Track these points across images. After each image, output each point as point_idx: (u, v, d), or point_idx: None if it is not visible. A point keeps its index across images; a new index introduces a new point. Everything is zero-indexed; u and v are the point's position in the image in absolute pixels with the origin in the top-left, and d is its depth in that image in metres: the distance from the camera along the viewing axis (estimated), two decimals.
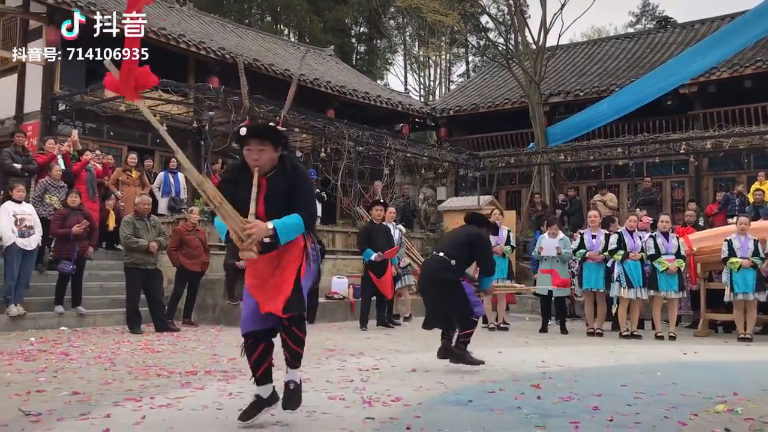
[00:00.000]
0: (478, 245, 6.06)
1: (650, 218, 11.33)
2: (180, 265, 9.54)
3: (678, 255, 9.38)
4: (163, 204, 12.70)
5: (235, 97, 12.82)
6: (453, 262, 5.92)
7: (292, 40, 32.48)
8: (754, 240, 9.24)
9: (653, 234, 9.68)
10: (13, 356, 6.42)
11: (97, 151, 12.36)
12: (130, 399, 4.57)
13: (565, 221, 14.88)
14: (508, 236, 10.50)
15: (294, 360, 3.76)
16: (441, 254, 6.07)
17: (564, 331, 9.90)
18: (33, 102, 14.95)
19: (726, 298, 9.34)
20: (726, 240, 9.35)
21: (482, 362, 6.01)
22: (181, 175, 13.61)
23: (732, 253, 9.21)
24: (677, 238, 9.73)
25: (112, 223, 11.40)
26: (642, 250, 9.41)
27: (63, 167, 10.60)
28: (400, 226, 11.69)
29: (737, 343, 8.85)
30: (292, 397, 3.79)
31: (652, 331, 9.60)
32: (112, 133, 15.60)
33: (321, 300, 11.08)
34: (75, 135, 11.94)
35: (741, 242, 9.24)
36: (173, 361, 6.35)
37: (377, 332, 9.54)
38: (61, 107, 14.47)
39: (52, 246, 9.39)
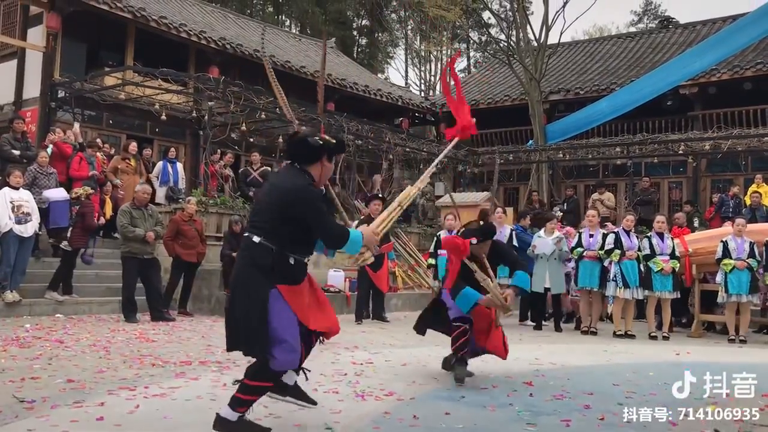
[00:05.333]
0: None
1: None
2: (176, 255, 9.54)
3: (672, 256, 9.40)
4: (160, 193, 12.69)
5: (235, 87, 12.82)
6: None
7: (294, 31, 32.40)
8: (750, 242, 9.27)
9: (648, 234, 9.71)
10: (8, 342, 6.44)
11: (99, 141, 12.37)
12: (124, 388, 4.59)
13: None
14: (511, 235, 10.31)
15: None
16: None
17: (558, 329, 9.94)
18: (32, 88, 14.88)
19: (720, 299, 9.37)
20: (722, 241, 9.38)
21: (461, 381, 5.26)
22: (179, 165, 13.60)
23: (727, 254, 9.24)
24: (672, 238, 9.76)
25: (108, 212, 11.40)
26: (638, 249, 9.44)
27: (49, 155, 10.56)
28: None
29: (730, 345, 8.88)
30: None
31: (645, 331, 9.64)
32: (111, 122, 15.54)
33: None
34: (77, 127, 11.95)
35: (737, 244, 9.25)
36: (168, 351, 6.37)
37: (372, 326, 9.56)
38: (61, 94, 14.42)
39: (68, 235, 9.44)
